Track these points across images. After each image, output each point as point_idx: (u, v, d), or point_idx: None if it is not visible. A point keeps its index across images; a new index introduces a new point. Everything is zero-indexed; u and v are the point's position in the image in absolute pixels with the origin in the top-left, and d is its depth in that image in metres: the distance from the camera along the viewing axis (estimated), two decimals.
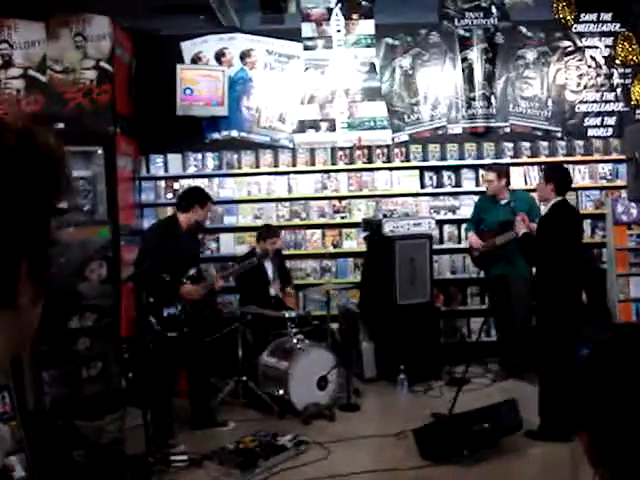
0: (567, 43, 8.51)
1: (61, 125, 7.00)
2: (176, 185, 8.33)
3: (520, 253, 6.64)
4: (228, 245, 8.30)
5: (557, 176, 6.19)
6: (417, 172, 8.42)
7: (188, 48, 8.37)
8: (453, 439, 5.12)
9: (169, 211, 8.04)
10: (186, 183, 8.22)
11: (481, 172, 8.33)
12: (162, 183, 8.36)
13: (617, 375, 1.05)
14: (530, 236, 6.09)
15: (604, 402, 1.06)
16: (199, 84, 8.10)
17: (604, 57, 8.49)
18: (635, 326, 1.16)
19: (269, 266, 7.35)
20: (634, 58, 8.42)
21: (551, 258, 5.77)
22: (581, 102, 8.54)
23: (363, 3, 8.26)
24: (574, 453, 4.58)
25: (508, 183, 7.44)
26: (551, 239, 5.84)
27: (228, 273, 6.80)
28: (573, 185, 8.26)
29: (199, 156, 8.43)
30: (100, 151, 6.91)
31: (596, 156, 8.46)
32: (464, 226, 8.27)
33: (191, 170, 8.42)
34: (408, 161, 8.46)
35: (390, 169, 8.43)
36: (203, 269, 6.65)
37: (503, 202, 7.29)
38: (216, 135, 8.49)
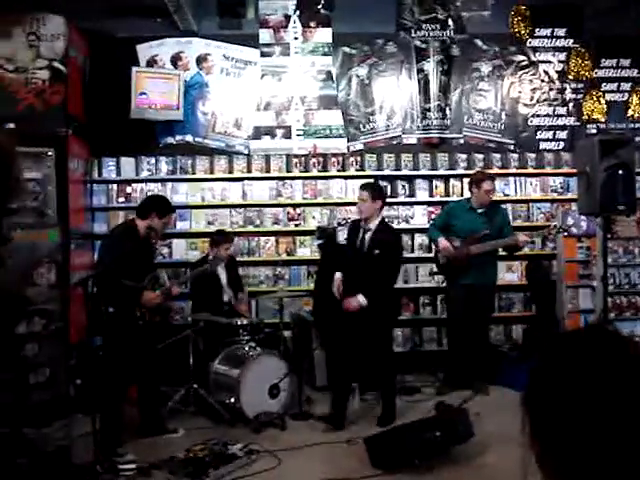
0: (521, 57, 8.64)
1: (12, 125, 6.85)
2: (128, 189, 8.22)
3: (490, 263, 7.15)
4: (180, 250, 8.22)
5: (384, 195, 6.50)
6: (371, 181, 8.42)
7: (144, 51, 8.27)
8: (404, 448, 5.11)
9: (121, 215, 7.96)
10: (139, 187, 8.15)
11: (434, 182, 8.44)
12: (114, 187, 8.24)
13: (567, 385, 1.06)
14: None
15: (555, 413, 1.06)
16: (154, 87, 8.00)
17: (557, 72, 8.65)
18: (578, 333, 1.17)
19: (222, 272, 7.29)
20: (586, 74, 8.59)
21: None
22: (534, 116, 8.68)
23: (321, 11, 8.29)
24: (523, 461, 4.62)
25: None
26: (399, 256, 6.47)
27: (182, 280, 6.74)
28: (525, 197, 8.47)
29: (152, 160, 8.33)
30: (51, 153, 6.77)
31: (547, 169, 8.60)
32: (417, 235, 8.36)
33: (144, 174, 8.31)
34: (363, 170, 8.48)
35: (345, 177, 8.43)
36: (158, 275, 6.57)
37: (480, 211, 7.20)
38: (170, 139, 8.40)
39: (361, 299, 6.03)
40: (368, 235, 6.25)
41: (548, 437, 1.08)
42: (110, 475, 5.04)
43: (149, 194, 7.83)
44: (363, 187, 6.48)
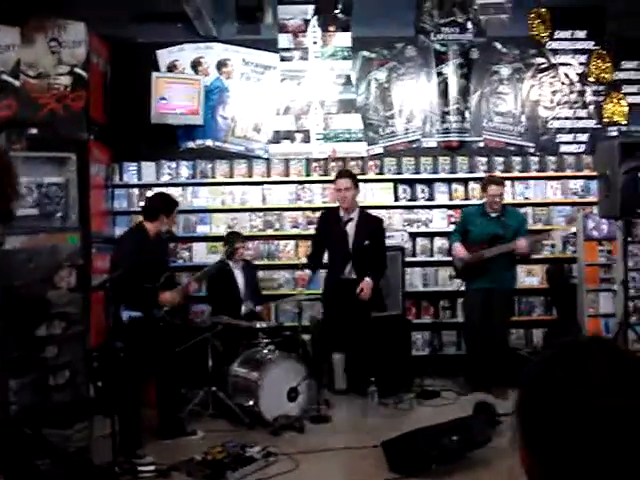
0: (541, 60, 8.60)
1: (34, 130, 6.94)
2: (149, 193, 8.25)
3: (506, 267, 7.08)
4: (200, 254, 8.27)
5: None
6: (391, 185, 8.45)
7: (164, 56, 8.35)
8: (422, 452, 5.10)
9: (141, 219, 8.02)
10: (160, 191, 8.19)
11: (453, 185, 8.42)
12: (135, 191, 8.32)
13: (562, 395, 1.04)
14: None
15: (550, 424, 1.04)
16: (174, 92, 8.07)
17: (577, 74, 8.60)
18: (578, 342, 1.15)
19: (239, 275, 7.33)
20: (607, 76, 8.54)
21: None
22: (554, 118, 8.63)
23: (340, 16, 8.31)
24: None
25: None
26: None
27: (197, 276, 6.72)
28: (545, 200, 8.42)
29: (173, 165, 8.40)
30: (73, 157, 6.84)
31: (568, 172, 8.54)
32: (437, 239, 8.35)
33: (165, 178, 8.38)
34: (382, 174, 8.49)
35: (364, 181, 8.42)
36: (173, 275, 6.61)
37: (493, 215, 7.16)
38: (191, 144, 8.47)
39: (369, 280, 5.99)
40: (351, 226, 6.12)
41: (541, 449, 1.06)
42: (129, 476, 5.08)
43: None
44: (343, 174, 6.37)
